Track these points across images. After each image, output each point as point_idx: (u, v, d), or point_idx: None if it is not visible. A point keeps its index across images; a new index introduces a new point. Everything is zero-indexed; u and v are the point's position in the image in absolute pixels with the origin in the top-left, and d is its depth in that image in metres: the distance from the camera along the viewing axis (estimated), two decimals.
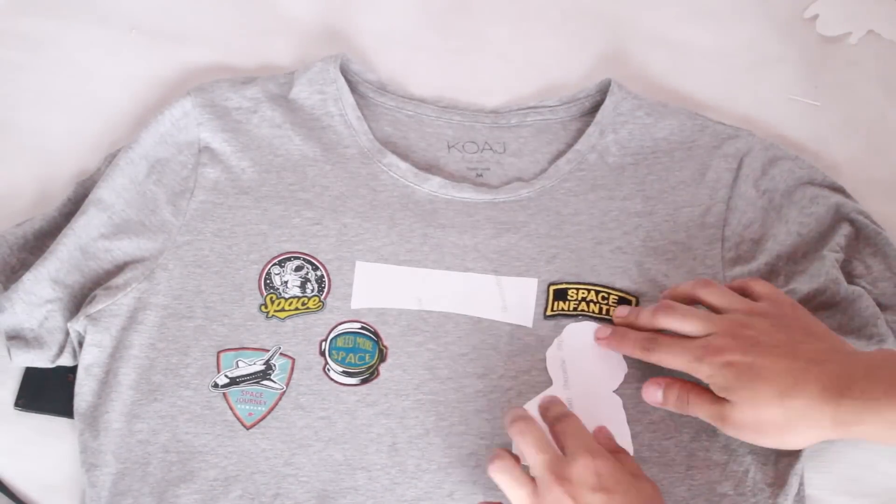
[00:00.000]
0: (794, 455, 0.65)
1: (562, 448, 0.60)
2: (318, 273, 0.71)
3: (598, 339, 0.68)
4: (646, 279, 0.71)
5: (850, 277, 0.70)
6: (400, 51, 0.83)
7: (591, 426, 0.63)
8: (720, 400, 0.61)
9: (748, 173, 0.73)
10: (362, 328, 0.70)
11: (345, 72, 0.78)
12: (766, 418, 0.59)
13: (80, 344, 0.69)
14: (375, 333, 0.70)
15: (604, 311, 0.70)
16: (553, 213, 0.73)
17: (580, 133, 0.76)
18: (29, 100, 0.81)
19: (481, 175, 0.76)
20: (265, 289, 0.71)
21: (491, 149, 0.77)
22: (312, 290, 0.70)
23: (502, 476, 0.60)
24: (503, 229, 0.72)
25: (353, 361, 0.69)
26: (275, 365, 0.69)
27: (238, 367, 0.69)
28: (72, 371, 0.69)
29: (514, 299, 0.70)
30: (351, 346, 0.69)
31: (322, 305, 0.70)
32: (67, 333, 0.69)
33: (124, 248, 0.71)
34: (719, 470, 0.66)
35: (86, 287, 0.70)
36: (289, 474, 0.66)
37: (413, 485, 0.66)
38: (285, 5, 0.85)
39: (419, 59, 0.83)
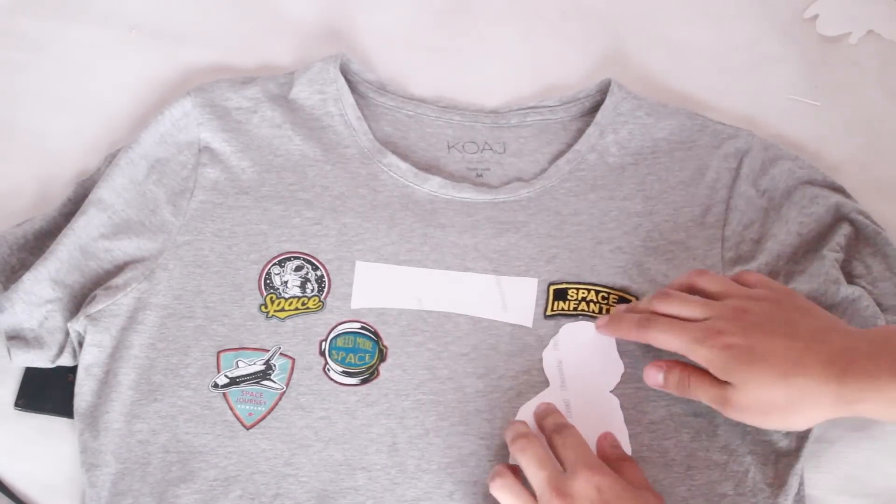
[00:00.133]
0: (794, 455, 0.65)
1: (561, 461, 0.60)
2: (318, 273, 0.71)
3: (597, 327, 0.68)
4: (646, 279, 0.71)
5: (850, 277, 0.69)
6: (400, 51, 0.83)
7: (588, 427, 0.63)
8: (721, 383, 0.60)
9: (748, 173, 0.73)
10: (362, 328, 0.70)
11: (345, 72, 0.78)
12: (769, 399, 0.58)
13: (80, 344, 0.69)
14: (375, 333, 0.70)
15: (604, 311, 0.70)
16: (553, 213, 0.73)
17: (580, 133, 0.76)
18: (29, 100, 0.81)
19: (481, 175, 0.76)
20: (265, 289, 0.71)
21: (491, 149, 0.77)
22: (312, 290, 0.70)
23: (504, 493, 0.61)
24: (503, 229, 0.72)
25: (353, 361, 0.69)
26: (275, 365, 0.69)
27: (238, 367, 0.69)
28: (72, 371, 0.69)
29: (514, 299, 0.70)
30: (351, 346, 0.69)
31: (322, 305, 0.70)
32: (67, 333, 0.69)
33: (124, 248, 0.71)
34: (719, 470, 0.66)
35: (86, 287, 0.70)
36: (289, 474, 0.66)
37: (413, 485, 0.66)
38: (285, 5, 0.85)
39: (419, 59, 0.83)
